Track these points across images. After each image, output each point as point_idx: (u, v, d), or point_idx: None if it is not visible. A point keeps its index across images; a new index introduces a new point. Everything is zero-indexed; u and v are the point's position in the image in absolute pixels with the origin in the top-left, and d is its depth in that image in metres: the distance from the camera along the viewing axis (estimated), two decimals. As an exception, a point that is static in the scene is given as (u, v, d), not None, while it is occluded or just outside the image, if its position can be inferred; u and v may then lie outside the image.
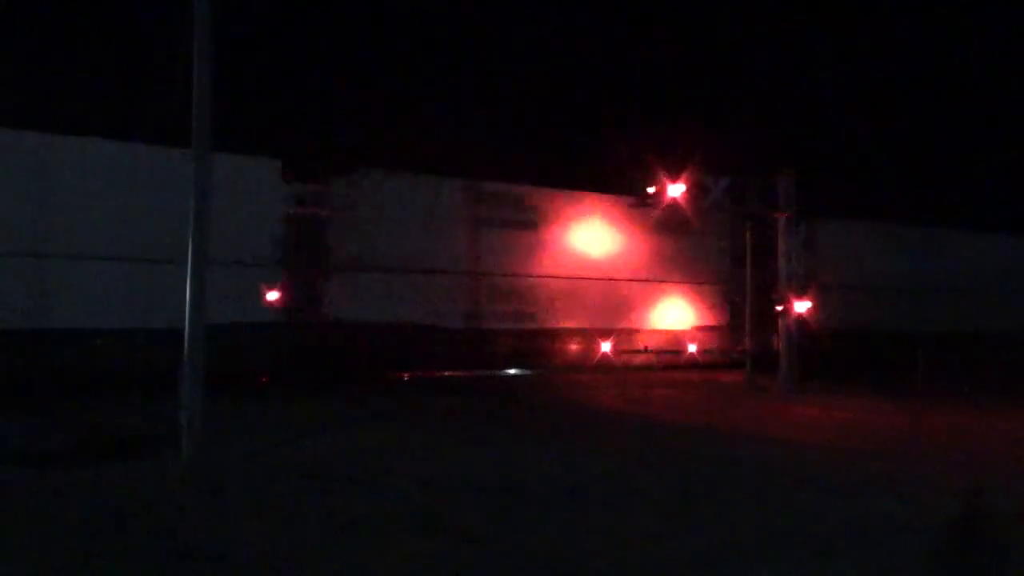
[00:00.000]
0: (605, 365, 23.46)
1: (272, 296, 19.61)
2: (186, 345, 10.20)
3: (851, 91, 35.18)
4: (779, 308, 20.10)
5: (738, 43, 33.50)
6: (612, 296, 24.15)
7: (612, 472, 10.15)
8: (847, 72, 35.21)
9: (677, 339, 25.16)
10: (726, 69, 32.59)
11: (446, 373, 21.52)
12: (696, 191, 19.69)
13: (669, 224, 23.86)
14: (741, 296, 21.97)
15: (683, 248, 25.27)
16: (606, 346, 23.73)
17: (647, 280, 24.76)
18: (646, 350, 24.51)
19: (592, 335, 23.68)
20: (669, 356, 24.84)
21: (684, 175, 19.35)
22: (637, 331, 24.45)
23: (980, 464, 10.93)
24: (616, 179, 22.30)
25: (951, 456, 11.53)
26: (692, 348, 25.25)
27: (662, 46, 30.64)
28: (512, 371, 22.52)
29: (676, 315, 25.23)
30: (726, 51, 33.25)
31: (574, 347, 23.57)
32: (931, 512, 8.33)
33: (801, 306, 20.29)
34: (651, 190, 19.57)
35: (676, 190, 19.34)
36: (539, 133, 25.88)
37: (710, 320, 25.71)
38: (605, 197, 24.11)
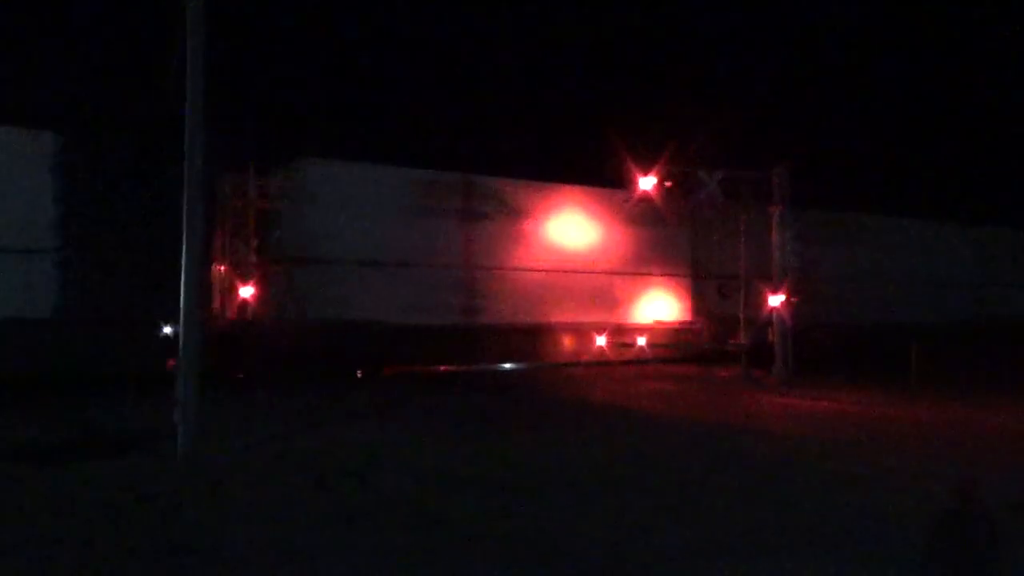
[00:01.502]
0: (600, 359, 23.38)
1: None
2: (181, 341, 10.21)
3: (847, 86, 35.32)
4: (773, 301, 20.10)
5: (735, 38, 33.59)
6: (603, 289, 23.94)
7: (611, 466, 10.18)
8: (844, 68, 35.33)
9: (672, 333, 25.06)
10: (723, 64, 32.64)
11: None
12: (690, 184, 19.70)
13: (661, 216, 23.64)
14: (736, 289, 21.93)
15: (679, 241, 25.16)
16: (601, 340, 23.62)
17: (636, 274, 24.58)
18: (640, 344, 24.41)
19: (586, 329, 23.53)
20: (663, 350, 24.75)
21: (678, 168, 19.38)
22: (630, 325, 24.33)
23: (974, 456, 10.97)
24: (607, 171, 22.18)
25: (946, 448, 11.58)
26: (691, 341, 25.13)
27: (658, 42, 30.71)
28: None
29: (671, 309, 25.15)
30: (723, 46, 33.34)
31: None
32: (927, 503, 8.36)
33: (795, 299, 20.28)
34: (646, 183, 19.61)
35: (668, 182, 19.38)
36: (535, 128, 25.87)
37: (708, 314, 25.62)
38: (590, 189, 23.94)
